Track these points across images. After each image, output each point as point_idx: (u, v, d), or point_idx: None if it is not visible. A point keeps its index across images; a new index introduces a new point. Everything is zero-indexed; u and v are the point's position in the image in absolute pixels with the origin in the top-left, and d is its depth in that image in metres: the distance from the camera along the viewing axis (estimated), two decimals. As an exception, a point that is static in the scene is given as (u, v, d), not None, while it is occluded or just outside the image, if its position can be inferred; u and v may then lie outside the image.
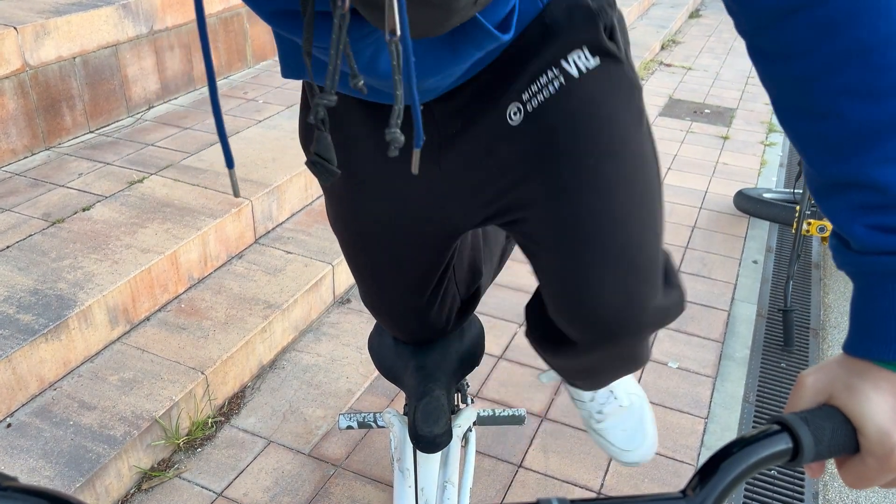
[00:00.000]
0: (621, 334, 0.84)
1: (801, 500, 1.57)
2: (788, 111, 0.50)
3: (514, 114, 0.75)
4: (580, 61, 0.73)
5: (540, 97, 0.74)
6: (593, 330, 0.84)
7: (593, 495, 1.55)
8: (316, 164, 0.56)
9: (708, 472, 0.41)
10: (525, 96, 0.74)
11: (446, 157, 0.79)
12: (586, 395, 1.22)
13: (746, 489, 1.59)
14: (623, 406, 1.24)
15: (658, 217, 0.83)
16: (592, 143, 0.75)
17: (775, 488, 1.60)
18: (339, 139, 0.85)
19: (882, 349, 0.46)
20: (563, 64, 0.73)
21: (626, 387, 1.26)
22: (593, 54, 0.73)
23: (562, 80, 0.73)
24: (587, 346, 0.88)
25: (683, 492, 0.41)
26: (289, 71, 0.70)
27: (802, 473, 1.64)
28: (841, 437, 0.44)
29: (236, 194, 0.58)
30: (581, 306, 0.82)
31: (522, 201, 0.79)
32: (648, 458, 1.26)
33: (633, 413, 1.25)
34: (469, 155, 0.79)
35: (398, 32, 0.46)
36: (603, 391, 1.22)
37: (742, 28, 0.52)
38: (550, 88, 0.74)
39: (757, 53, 0.51)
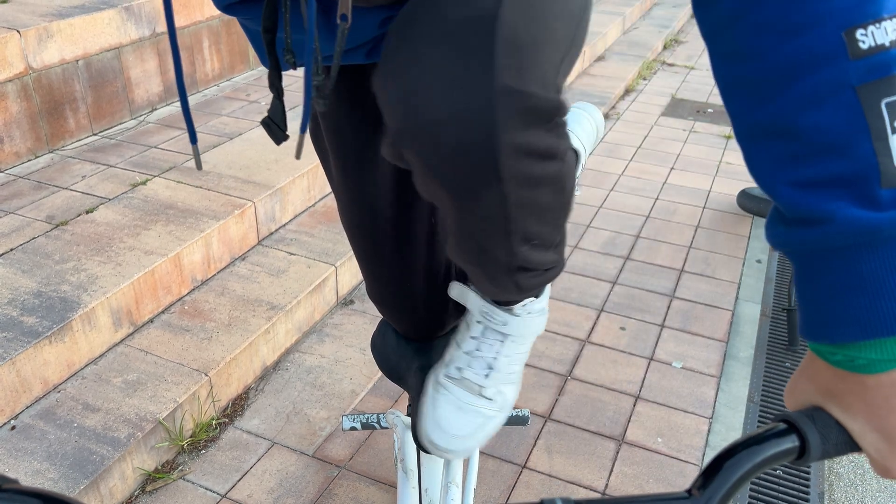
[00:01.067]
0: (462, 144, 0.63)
1: (807, 500, 1.56)
2: (716, 57, 0.48)
3: None
4: None
5: None
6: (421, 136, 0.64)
7: (597, 496, 1.55)
8: (267, 124, 0.62)
9: (713, 471, 0.41)
10: None
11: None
12: (473, 319, 0.93)
13: (752, 489, 1.59)
14: (484, 395, 0.92)
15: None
16: None
17: (781, 488, 1.59)
18: (331, 125, 0.88)
19: (821, 332, 0.44)
20: None
21: (506, 381, 0.95)
22: None
23: None
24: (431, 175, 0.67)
25: (689, 491, 0.41)
26: (264, 60, 0.75)
27: (808, 473, 1.63)
28: (848, 435, 0.44)
29: (199, 167, 0.62)
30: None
31: None
32: (448, 455, 0.93)
33: (485, 407, 0.93)
34: None
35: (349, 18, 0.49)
36: (487, 349, 0.92)
37: None
38: None
39: (696, 3, 0.49)
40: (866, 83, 0.41)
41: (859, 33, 0.40)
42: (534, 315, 0.90)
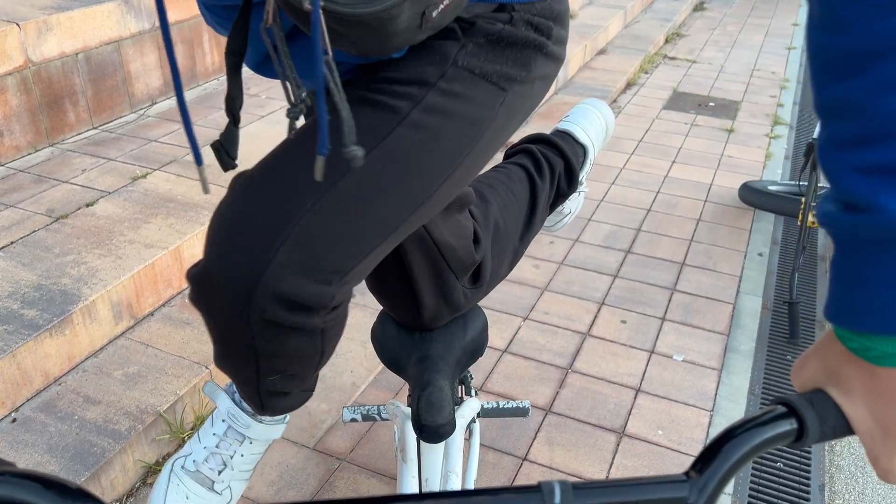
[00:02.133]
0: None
1: (808, 492, 1.56)
2: (810, 20, 0.45)
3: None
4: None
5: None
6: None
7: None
8: (217, 150, 0.60)
9: (711, 453, 0.41)
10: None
11: None
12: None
13: (752, 480, 1.58)
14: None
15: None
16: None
17: (782, 480, 1.59)
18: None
19: (854, 319, 0.43)
20: None
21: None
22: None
23: None
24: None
25: (687, 474, 0.41)
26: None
27: (809, 465, 1.63)
28: (845, 419, 0.44)
29: (206, 191, 0.60)
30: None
31: None
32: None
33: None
34: None
35: (329, 53, 0.49)
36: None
37: None
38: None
39: None
40: None
41: None
42: (276, 423, 0.97)
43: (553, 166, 1.24)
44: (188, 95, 2.86)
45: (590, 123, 1.33)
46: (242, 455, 0.97)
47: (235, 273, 0.70)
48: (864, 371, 0.44)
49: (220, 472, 0.96)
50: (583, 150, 1.31)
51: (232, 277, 0.71)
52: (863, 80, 0.41)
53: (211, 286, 0.73)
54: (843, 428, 0.44)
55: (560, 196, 1.27)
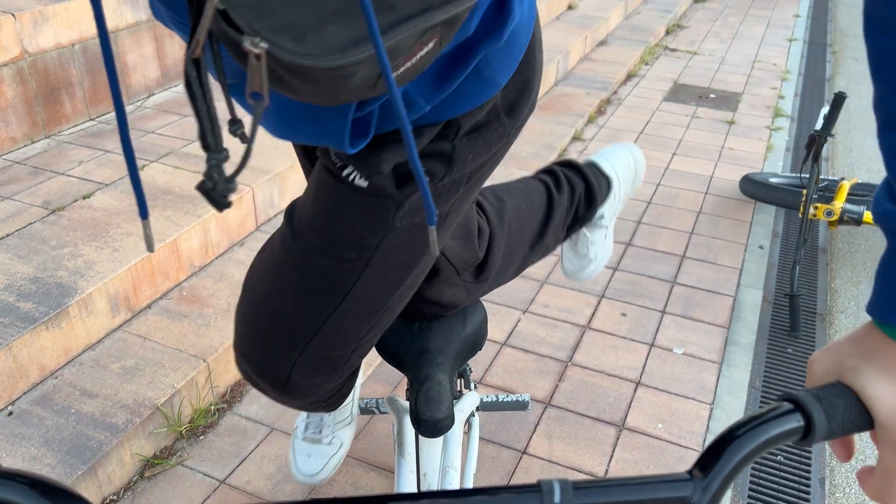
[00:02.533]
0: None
1: (808, 486, 1.56)
2: (875, 23, 0.45)
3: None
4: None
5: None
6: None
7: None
8: (207, 192, 0.51)
9: (716, 452, 0.40)
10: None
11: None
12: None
13: (753, 475, 1.58)
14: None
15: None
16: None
17: (782, 474, 1.58)
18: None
19: None
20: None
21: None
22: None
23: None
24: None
25: (690, 472, 0.40)
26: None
27: (809, 459, 1.63)
28: (854, 414, 0.43)
29: (150, 249, 0.51)
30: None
31: None
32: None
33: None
34: None
35: (264, 98, 0.43)
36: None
37: None
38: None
39: None
40: None
41: None
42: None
43: (573, 186, 1.26)
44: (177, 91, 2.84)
45: (617, 159, 1.36)
46: (332, 415, 1.31)
47: (267, 376, 0.94)
48: None
49: (320, 431, 1.31)
50: (607, 181, 1.33)
51: (265, 378, 0.94)
52: None
53: (249, 372, 0.96)
54: (853, 423, 0.42)
55: (578, 220, 1.29)
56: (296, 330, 0.89)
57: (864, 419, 0.43)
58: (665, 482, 0.38)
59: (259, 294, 0.91)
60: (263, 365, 0.92)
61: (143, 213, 0.50)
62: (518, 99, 0.82)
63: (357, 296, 0.86)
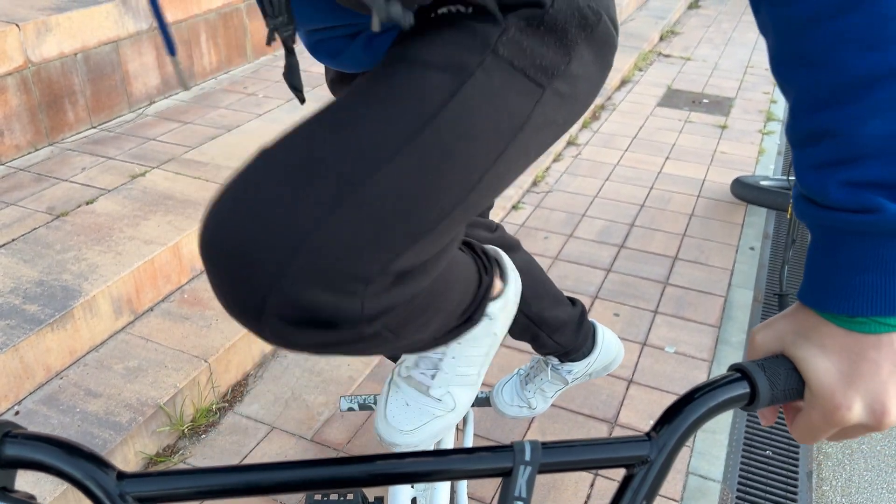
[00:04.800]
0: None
1: (796, 479, 1.59)
2: (784, 58, 0.49)
3: None
4: None
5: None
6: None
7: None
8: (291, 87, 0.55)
9: (671, 415, 0.44)
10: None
11: None
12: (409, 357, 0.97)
13: (742, 468, 1.62)
14: (431, 395, 0.94)
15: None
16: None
17: (770, 467, 1.62)
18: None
19: (833, 302, 0.47)
20: None
21: (455, 384, 0.95)
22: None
23: None
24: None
25: (648, 434, 0.44)
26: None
27: (797, 453, 1.66)
28: (793, 382, 0.47)
29: (185, 86, 0.54)
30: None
31: None
32: (395, 447, 0.95)
33: (433, 406, 0.94)
34: None
35: None
36: (433, 356, 0.94)
37: None
38: None
39: None
40: None
41: None
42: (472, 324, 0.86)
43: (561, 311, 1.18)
44: (186, 95, 2.89)
45: (609, 343, 1.31)
46: (453, 357, 0.92)
47: (244, 276, 0.57)
48: (841, 332, 0.47)
49: (432, 377, 0.94)
50: (592, 343, 1.28)
51: (241, 279, 0.57)
52: (852, 107, 0.45)
53: (218, 264, 0.60)
54: (792, 391, 0.47)
55: (553, 342, 1.19)
56: (316, 196, 0.56)
57: (801, 387, 0.48)
58: (626, 442, 0.43)
59: (282, 141, 0.60)
60: (262, 255, 0.56)
61: (171, 49, 0.49)
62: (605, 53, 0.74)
63: (440, 131, 0.61)
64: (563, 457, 0.41)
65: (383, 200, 0.58)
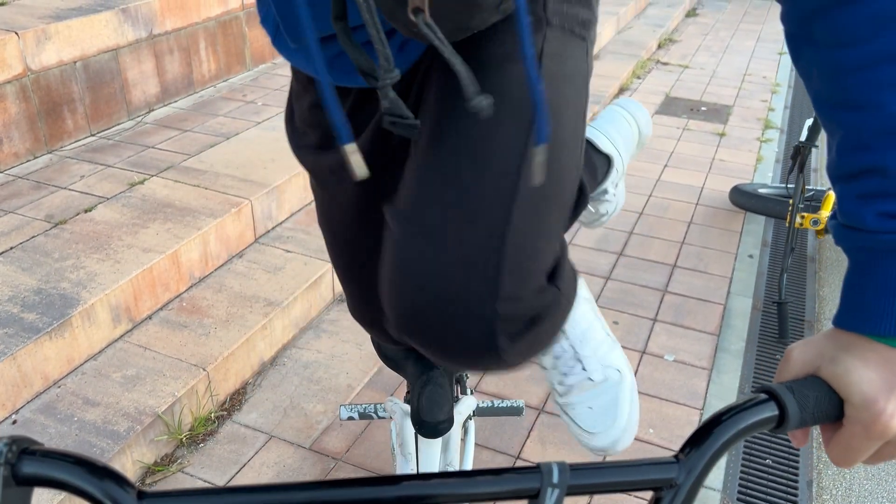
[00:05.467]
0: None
1: (796, 488, 1.59)
2: (829, 101, 0.51)
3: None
4: None
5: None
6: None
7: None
8: (394, 123, 0.56)
9: (700, 437, 0.44)
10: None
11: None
12: (546, 359, 1.01)
13: (742, 476, 1.61)
14: (594, 380, 0.98)
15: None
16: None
17: (771, 476, 1.62)
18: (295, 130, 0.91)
19: (873, 324, 0.48)
20: None
21: (602, 358, 1.00)
22: None
23: None
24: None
25: (676, 456, 0.44)
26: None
27: (797, 461, 1.66)
28: (825, 404, 0.47)
29: (361, 174, 0.54)
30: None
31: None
32: (619, 446, 1.00)
33: (607, 390, 0.98)
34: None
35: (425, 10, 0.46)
36: (567, 358, 0.99)
37: (793, 13, 0.52)
38: None
39: (802, 40, 0.52)
40: None
41: None
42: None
43: None
44: (185, 103, 2.89)
45: (615, 129, 1.23)
46: (579, 341, 0.99)
47: (464, 325, 0.65)
48: (883, 346, 0.48)
49: (582, 368, 0.99)
50: (606, 160, 1.20)
51: (462, 326, 0.66)
52: (890, 152, 0.48)
53: (433, 329, 0.68)
54: (823, 413, 0.47)
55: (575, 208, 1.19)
56: (485, 224, 0.64)
57: (834, 410, 0.48)
58: (653, 464, 0.42)
59: (415, 212, 0.68)
60: (455, 295, 0.65)
61: (345, 137, 0.52)
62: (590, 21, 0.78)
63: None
64: (590, 479, 0.41)
65: (535, 190, 0.66)
